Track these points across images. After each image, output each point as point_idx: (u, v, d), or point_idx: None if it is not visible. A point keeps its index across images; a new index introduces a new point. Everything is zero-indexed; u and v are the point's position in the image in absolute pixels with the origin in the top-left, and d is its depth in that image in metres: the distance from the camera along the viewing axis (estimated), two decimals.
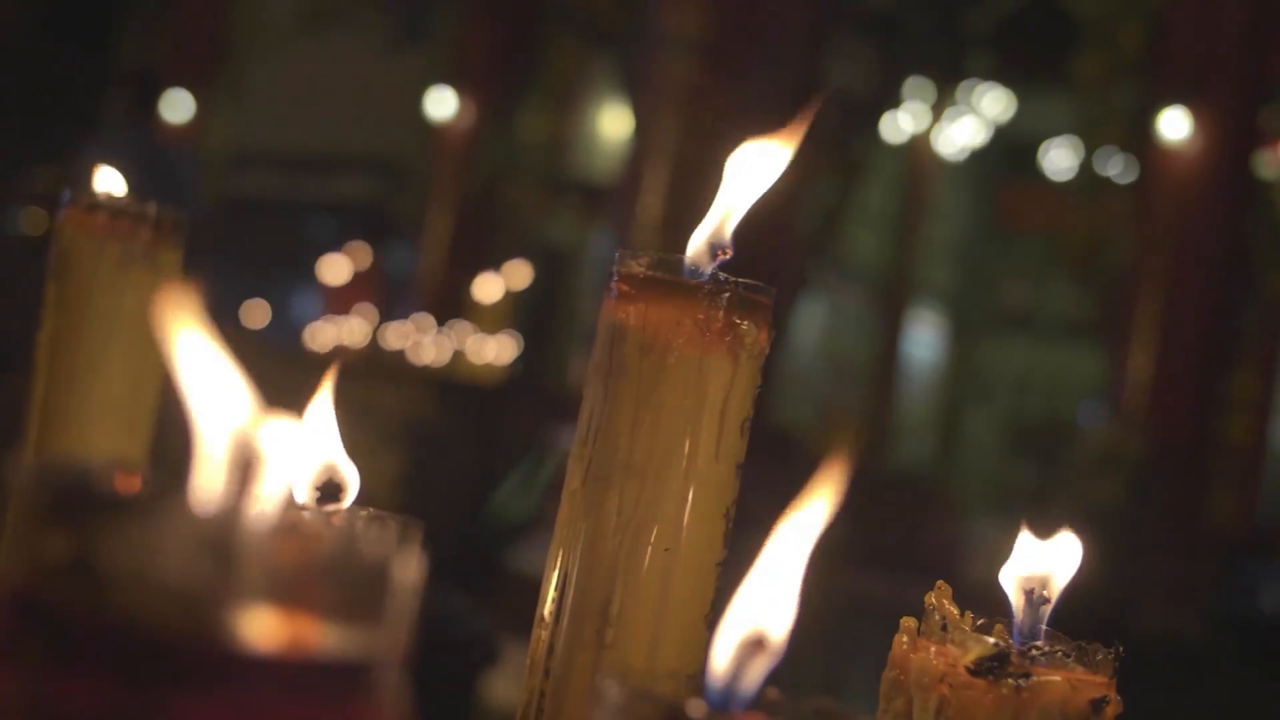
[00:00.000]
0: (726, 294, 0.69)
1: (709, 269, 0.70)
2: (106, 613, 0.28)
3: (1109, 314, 7.24)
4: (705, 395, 0.68)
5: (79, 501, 0.29)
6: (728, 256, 0.70)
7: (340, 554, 0.29)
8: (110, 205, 0.89)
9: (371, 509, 0.55)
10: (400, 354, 6.07)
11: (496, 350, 6.28)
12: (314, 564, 0.29)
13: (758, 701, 0.43)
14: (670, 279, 0.69)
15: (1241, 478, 7.30)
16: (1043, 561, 0.65)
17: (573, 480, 0.70)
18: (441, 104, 8.99)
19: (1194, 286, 6.51)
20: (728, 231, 0.70)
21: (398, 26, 9.74)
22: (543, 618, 0.70)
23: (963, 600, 0.70)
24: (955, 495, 10.40)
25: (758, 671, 0.42)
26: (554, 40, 8.83)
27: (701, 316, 0.68)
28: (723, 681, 0.42)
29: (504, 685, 1.73)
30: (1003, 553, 0.68)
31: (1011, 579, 0.64)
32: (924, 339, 11.51)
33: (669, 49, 5.09)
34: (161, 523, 0.29)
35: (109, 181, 0.94)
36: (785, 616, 0.44)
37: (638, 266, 0.70)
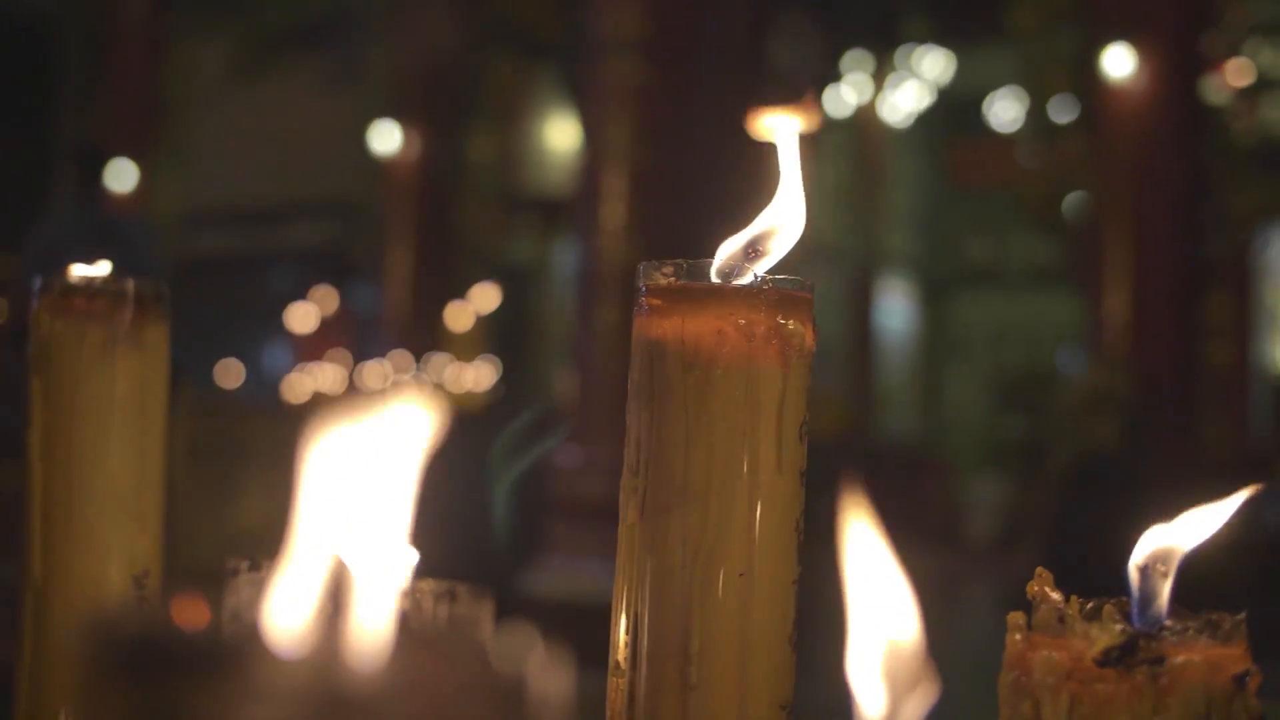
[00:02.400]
0: (766, 294, 0.64)
1: (746, 271, 0.65)
2: None
3: (1078, 257, 7.24)
4: (759, 405, 0.63)
5: (147, 659, 0.24)
6: (765, 257, 0.65)
7: (474, 681, 0.24)
8: (86, 286, 0.83)
9: (434, 579, 0.50)
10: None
11: (475, 377, 6.23)
12: (442, 700, 0.24)
13: None
14: (704, 286, 0.64)
15: (1229, 401, 7.31)
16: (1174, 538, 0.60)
17: (629, 515, 0.65)
18: (386, 138, 8.91)
19: (1159, 218, 6.51)
20: (772, 243, 0.65)
21: (331, 67, 9.66)
22: (618, 664, 0.64)
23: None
24: (947, 456, 10.41)
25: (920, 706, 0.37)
26: (491, 58, 8.75)
27: (744, 322, 0.63)
28: None
29: None
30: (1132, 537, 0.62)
31: (1137, 558, 0.59)
32: (896, 307, 11.50)
33: (610, 52, 5.03)
34: (249, 672, 0.23)
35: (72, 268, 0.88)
36: (920, 644, 0.40)
37: (664, 277, 0.65)
